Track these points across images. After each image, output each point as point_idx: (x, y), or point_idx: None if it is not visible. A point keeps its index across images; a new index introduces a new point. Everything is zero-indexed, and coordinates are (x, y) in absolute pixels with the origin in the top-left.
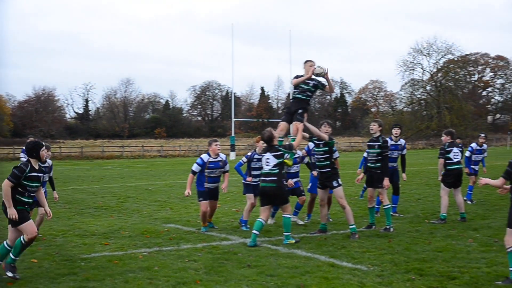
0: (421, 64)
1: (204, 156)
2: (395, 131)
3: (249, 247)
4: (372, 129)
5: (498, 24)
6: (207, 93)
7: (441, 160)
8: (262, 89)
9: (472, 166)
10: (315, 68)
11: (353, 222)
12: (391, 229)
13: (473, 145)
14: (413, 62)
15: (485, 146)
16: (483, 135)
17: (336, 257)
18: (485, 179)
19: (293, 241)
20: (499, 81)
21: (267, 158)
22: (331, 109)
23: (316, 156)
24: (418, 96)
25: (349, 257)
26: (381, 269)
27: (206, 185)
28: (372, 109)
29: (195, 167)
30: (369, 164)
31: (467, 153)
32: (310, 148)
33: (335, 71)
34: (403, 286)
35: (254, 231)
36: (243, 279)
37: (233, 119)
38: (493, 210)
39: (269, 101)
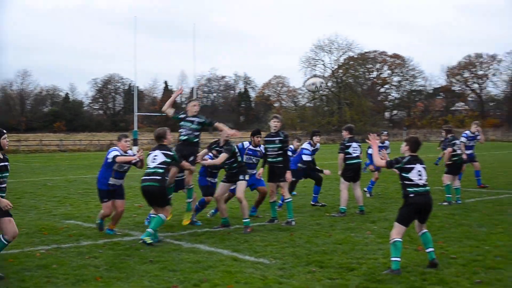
0: (323, 61)
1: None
2: (317, 139)
3: (148, 245)
4: (276, 126)
5: (395, 23)
6: (109, 86)
7: (341, 155)
8: (165, 83)
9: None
10: (309, 85)
11: (248, 216)
12: (293, 223)
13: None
14: (315, 59)
15: (387, 142)
16: (385, 132)
17: (239, 251)
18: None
19: (151, 241)
20: (396, 79)
21: (155, 155)
22: (234, 104)
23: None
24: (320, 92)
25: (251, 251)
26: (283, 262)
27: (113, 181)
28: (275, 104)
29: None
30: (269, 159)
31: (370, 150)
32: (245, 147)
33: (239, 66)
34: (304, 278)
35: (148, 229)
36: (145, 275)
37: (135, 113)
38: (389, 203)
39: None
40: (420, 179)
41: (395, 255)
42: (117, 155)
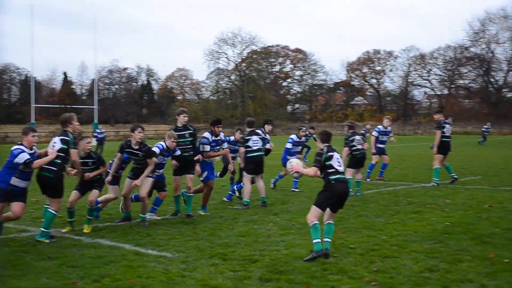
0: (226, 54)
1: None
2: (268, 127)
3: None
4: (185, 121)
5: (298, 18)
6: (4, 76)
7: (242, 149)
8: (64, 74)
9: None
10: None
11: (146, 212)
12: (194, 217)
13: (293, 136)
14: (219, 52)
15: (303, 138)
16: (303, 128)
17: (141, 245)
18: (296, 167)
19: (47, 240)
20: (298, 73)
21: (54, 142)
22: (137, 96)
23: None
24: (224, 85)
25: (154, 245)
26: (186, 256)
27: (15, 182)
28: (178, 97)
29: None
30: (181, 153)
31: (288, 145)
32: (207, 137)
33: (141, 58)
34: (207, 271)
35: (42, 228)
36: (43, 272)
37: (33, 105)
38: (291, 195)
39: (72, 86)
40: (339, 166)
41: (316, 237)
42: (28, 160)
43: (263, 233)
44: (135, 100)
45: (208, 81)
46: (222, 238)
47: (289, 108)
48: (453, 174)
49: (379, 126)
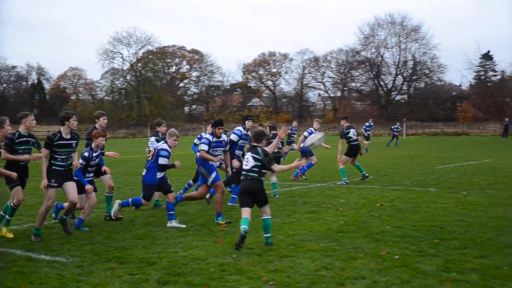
0: (121, 54)
1: None
2: (248, 123)
3: None
4: (106, 123)
5: (193, 19)
6: None
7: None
8: None
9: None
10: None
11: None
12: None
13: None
14: (113, 51)
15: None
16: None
17: (33, 250)
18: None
19: None
20: (194, 74)
21: None
22: (27, 95)
23: None
24: (119, 85)
25: (47, 250)
26: (81, 260)
27: None
28: (71, 97)
29: None
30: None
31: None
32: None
33: (31, 57)
34: (103, 275)
35: None
36: None
37: None
38: None
39: None
40: (246, 165)
41: (244, 225)
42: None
43: (161, 235)
44: (25, 99)
45: (102, 81)
46: (119, 241)
47: (186, 109)
48: (364, 173)
49: (311, 128)
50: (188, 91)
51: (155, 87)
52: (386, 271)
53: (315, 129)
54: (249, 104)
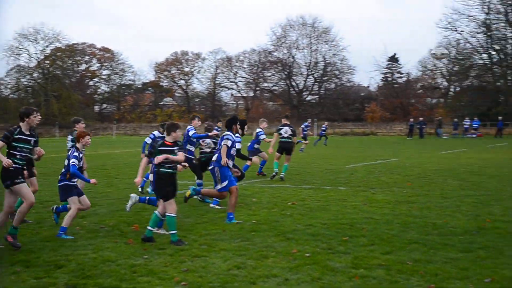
0: (28, 50)
1: None
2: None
3: None
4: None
5: (102, 17)
6: None
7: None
8: None
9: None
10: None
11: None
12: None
13: (156, 133)
14: (19, 48)
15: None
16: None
17: None
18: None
19: None
20: (105, 72)
21: None
22: None
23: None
24: (25, 83)
25: None
26: None
27: None
28: None
29: None
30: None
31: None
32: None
33: None
34: (8, 280)
35: None
36: None
37: None
38: (100, 198)
39: None
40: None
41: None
42: None
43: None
44: None
45: (7, 78)
46: (25, 244)
47: (96, 108)
48: (277, 170)
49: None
50: (99, 90)
51: (64, 85)
52: (297, 269)
53: (262, 128)
54: (161, 103)
